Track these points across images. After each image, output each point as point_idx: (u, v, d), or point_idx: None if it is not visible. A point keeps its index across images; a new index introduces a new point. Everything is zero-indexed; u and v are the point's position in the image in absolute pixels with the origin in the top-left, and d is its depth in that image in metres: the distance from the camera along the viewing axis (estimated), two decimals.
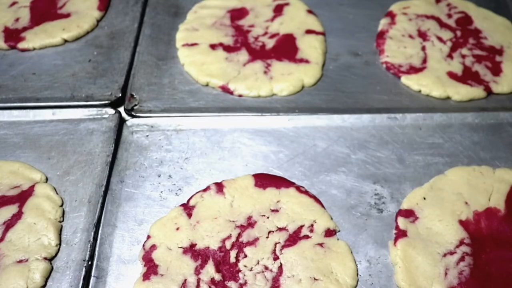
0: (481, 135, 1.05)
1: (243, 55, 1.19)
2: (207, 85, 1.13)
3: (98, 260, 0.89)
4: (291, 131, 1.06)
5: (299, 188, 0.96)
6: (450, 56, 1.20)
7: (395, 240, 0.90)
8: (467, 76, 1.15)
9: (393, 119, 1.07)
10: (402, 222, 0.92)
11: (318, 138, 1.04)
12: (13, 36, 1.23)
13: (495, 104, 1.12)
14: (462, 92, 1.12)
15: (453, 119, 1.07)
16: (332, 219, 0.93)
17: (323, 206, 0.94)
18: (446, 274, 0.86)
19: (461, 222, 0.92)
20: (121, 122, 1.07)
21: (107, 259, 0.89)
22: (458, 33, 1.25)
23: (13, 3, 1.32)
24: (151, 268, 0.86)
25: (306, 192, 0.96)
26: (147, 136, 1.05)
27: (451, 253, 0.88)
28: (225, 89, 1.13)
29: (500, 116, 1.08)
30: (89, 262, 0.88)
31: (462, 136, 1.05)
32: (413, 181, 0.98)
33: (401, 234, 0.91)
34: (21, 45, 1.21)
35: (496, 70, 1.17)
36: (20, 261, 0.87)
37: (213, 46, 1.20)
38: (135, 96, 1.10)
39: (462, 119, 1.07)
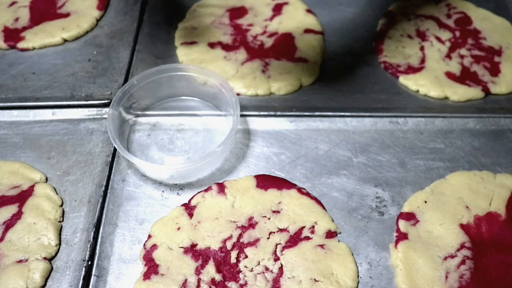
0: (482, 141, 1.05)
1: (241, 54, 1.18)
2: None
3: (99, 259, 0.88)
4: (293, 133, 1.05)
5: (300, 190, 0.96)
6: (448, 56, 1.20)
7: (396, 242, 0.90)
8: (465, 77, 1.15)
9: (395, 123, 1.07)
10: (403, 225, 0.92)
11: (320, 140, 1.04)
12: (13, 35, 1.23)
13: (493, 105, 1.12)
14: (460, 92, 1.12)
15: (454, 125, 1.07)
16: (333, 221, 0.93)
17: (324, 208, 0.94)
18: (446, 277, 0.86)
19: (462, 226, 0.92)
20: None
21: (108, 258, 0.88)
22: (457, 33, 1.25)
23: (13, 3, 1.32)
24: (151, 268, 0.86)
25: (307, 194, 0.96)
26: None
27: (452, 256, 0.88)
28: None
29: (501, 122, 1.08)
30: (89, 262, 0.87)
31: (463, 142, 1.05)
32: (414, 185, 0.98)
33: (402, 236, 0.91)
34: (20, 44, 1.21)
35: (494, 70, 1.17)
36: (20, 261, 0.86)
37: (211, 45, 1.20)
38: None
39: (463, 124, 1.08)
